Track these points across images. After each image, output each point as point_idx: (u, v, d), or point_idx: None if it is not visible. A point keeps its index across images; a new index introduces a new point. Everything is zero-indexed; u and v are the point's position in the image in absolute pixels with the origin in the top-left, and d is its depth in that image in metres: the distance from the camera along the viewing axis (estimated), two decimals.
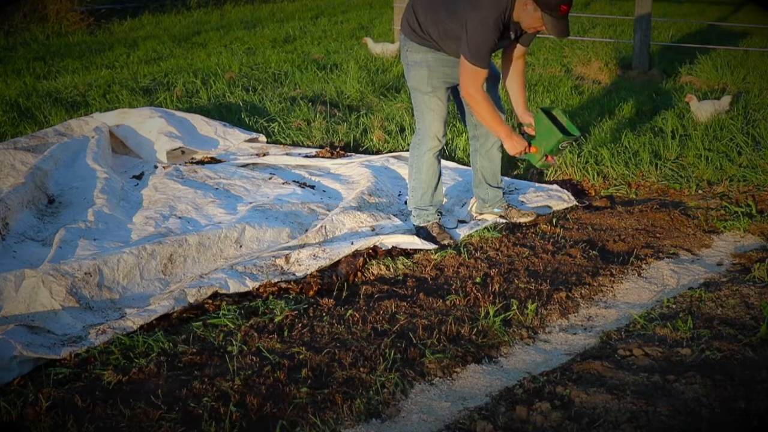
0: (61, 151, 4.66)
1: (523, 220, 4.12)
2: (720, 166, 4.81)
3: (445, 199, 4.26)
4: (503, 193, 4.20)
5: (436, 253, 3.73)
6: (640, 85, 6.99)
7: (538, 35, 3.80)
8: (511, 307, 3.15)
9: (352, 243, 3.73)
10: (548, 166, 3.90)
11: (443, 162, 4.98)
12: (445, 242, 3.85)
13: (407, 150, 5.29)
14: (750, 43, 8.72)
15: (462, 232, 4.01)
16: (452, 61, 3.69)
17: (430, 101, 3.81)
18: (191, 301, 3.24)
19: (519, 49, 3.77)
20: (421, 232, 3.93)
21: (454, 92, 3.93)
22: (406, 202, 4.50)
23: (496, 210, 4.14)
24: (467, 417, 2.42)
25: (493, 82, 3.90)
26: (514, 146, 3.75)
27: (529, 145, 3.78)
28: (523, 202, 4.41)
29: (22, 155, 4.58)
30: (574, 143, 3.85)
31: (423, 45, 3.73)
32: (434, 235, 3.90)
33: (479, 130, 4.00)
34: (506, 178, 4.83)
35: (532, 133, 3.81)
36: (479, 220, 4.18)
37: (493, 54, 3.66)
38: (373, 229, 3.97)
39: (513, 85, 3.87)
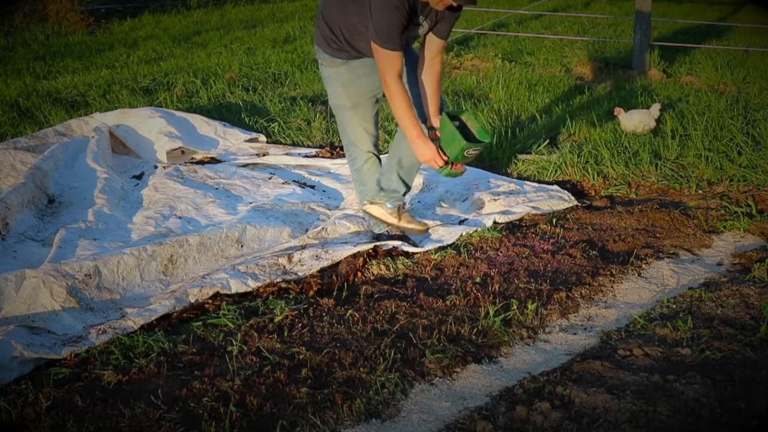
0: (61, 151, 4.66)
1: (410, 226, 3.82)
2: (720, 166, 4.82)
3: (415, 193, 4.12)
4: (405, 193, 3.86)
5: (436, 253, 3.73)
6: (640, 85, 6.99)
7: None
8: (511, 307, 3.16)
9: (355, 245, 3.73)
10: (456, 175, 3.60)
11: None
12: (412, 225, 3.79)
13: None
14: (750, 43, 8.73)
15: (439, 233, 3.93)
16: (369, 68, 3.51)
17: (352, 118, 3.66)
18: (192, 300, 3.24)
19: (436, 43, 3.51)
20: (382, 232, 3.87)
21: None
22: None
23: (388, 205, 3.82)
24: (467, 417, 2.42)
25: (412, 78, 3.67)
26: (424, 152, 3.48)
27: (441, 151, 3.50)
28: (522, 201, 4.41)
29: (22, 155, 4.58)
30: (484, 150, 3.54)
31: (336, 57, 3.56)
32: (398, 221, 3.82)
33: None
34: (506, 177, 4.84)
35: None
36: (366, 216, 3.96)
37: (415, 40, 3.50)
38: (375, 237, 3.97)
39: (427, 84, 3.59)
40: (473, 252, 3.75)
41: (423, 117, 3.62)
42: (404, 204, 3.90)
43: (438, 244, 3.85)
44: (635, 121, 5.44)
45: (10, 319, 2.99)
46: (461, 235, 3.93)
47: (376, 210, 3.86)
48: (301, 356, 2.78)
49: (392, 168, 3.78)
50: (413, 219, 3.87)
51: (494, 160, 5.20)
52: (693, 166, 4.89)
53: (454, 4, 3.25)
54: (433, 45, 3.52)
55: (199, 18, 11.79)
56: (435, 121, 3.58)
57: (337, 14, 3.48)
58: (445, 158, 3.50)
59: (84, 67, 8.03)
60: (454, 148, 3.45)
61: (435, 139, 3.52)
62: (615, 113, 5.60)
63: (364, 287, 3.39)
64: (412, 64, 3.63)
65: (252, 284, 3.38)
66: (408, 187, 3.87)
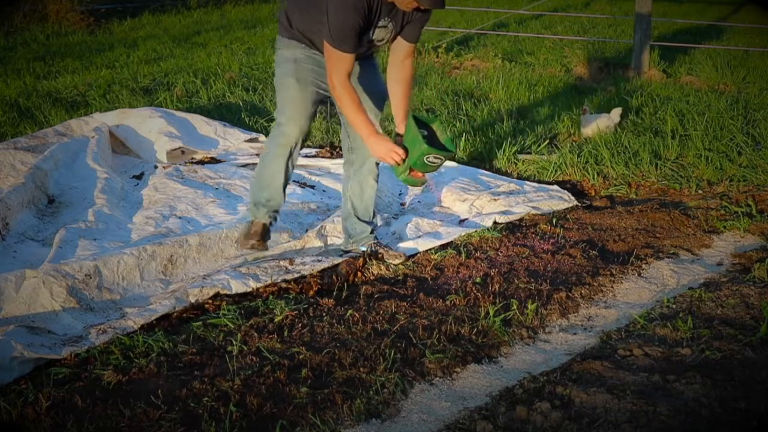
0: (61, 151, 4.66)
1: (391, 261, 3.66)
2: (720, 166, 4.82)
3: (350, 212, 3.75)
4: (373, 230, 3.77)
5: (436, 253, 3.73)
6: (640, 85, 6.99)
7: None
8: (511, 307, 3.16)
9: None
10: (415, 183, 3.37)
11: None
12: (252, 242, 3.58)
13: None
14: (750, 43, 8.72)
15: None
16: (324, 63, 3.31)
17: (294, 93, 3.40)
18: (192, 301, 3.24)
19: (405, 46, 3.34)
20: (243, 230, 3.67)
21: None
22: (402, 204, 4.51)
23: (361, 248, 3.70)
24: (467, 417, 2.42)
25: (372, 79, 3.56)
26: (378, 148, 3.27)
27: (406, 152, 3.28)
28: (522, 202, 4.41)
29: (22, 155, 4.58)
30: (443, 161, 3.30)
31: (294, 39, 3.41)
32: (250, 233, 3.61)
33: (355, 155, 3.62)
34: (506, 177, 4.84)
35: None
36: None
37: (381, 46, 3.37)
38: (375, 237, 3.97)
39: (395, 91, 3.41)
40: (473, 252, 3.75)
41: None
42: (376, 242, 3.74)
43: (438, 242, 3.86)
44: (592, 128, 5.47)
45: (10, 319, 2.99)
46: (461, 235, 3.94)
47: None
48: (301, 356, 2.78)
49: (348, 214, 3.72)
50: (390, 252, 3.70)
51: (494, 160, 5.20)
52: (693, 166, 4.89)
53: (422, 7, 3.09)
54: (401, 48, 3.36)
55: (199, 18, 11.79)
56: (402, 129, 3.39)
57: (298, 13, 3.37)
58: (403, 155, 3.26)
59: (84, 67, 8.03)
60: (414, 152, 3.23)
61: (400, 146, 3.31)
62: (581, 113, 5.61)
63: (364, 287, 3.39)
64: (372, 68, 3.53)
65: (253, 285, 3.38)
66: (373, 223, 3.76)
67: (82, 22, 10.51)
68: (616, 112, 5.62)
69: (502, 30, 10.31)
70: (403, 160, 3.27)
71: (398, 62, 3.37)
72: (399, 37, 3.33)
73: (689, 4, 12.62)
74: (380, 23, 3.21)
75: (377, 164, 3.62)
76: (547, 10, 11.64)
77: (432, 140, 3.30)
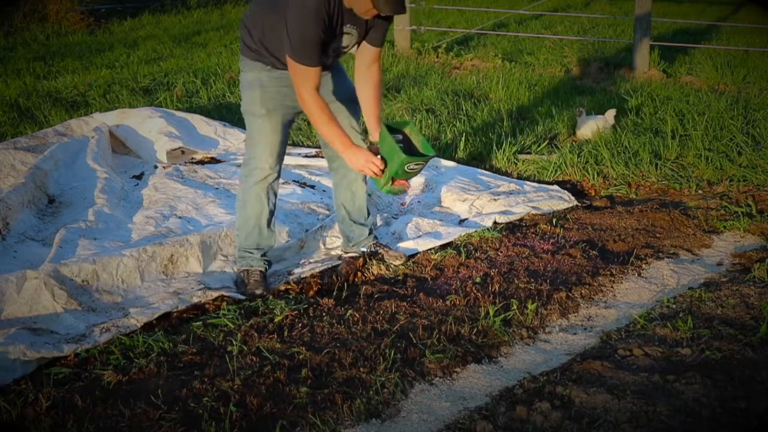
0: (61, 151, 4.66)
1: (392, 262, 3.65)
2: (720, 166, 4.82)
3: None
4: (371, 230, 3.72)
5: (436, 253, 3.73)
6: (640, 85, 7.00)
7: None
8: (511, 307, 3.16)
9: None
10: (397, 192, 3.33)
11: (442, 161, 5.02)
12: (258, 292, 3.36)
13: None
14: (750, 43, 8.73)
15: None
16: (291, 80, 3.19)
17: (263, 126, 3.31)
18: (195, 301, 3.24)
19: (370, 51, 3.27)
20: (238, 279, 3.48)
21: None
22: (402, 204, 4.51)
23: (362, 248, 3.69)
24: (467, 417, 2.42)
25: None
26: (356, 160, 3.22)
27: (384, 161, 3.22)
28: (522, 202, 4.41)
29: (22, 155, 4.58)
30: (425, 164, 3.27)
31: (257, 61, 3.28)
32: (249, 283, 3.41)
33: (338, 162, 3.51)
34: (506, 177, 4.84)
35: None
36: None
37: (347, 52, 3.30)
38: (375, 237, 3.97)
39: (366, 97, 3.32)
40: (473, 252, 3.75)
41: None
42: (376, 243, 3.72)
43: (438, 242, 3.86)
44: (589, 129, 5.45)
45: (12, 321, 2.99)
46: (461, 235, 3.94)
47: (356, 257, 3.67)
48: (301, 356, 2.78)
49: (344, 218, 3.69)
50: (390, 253, 3.69)
51: (494, 160, 5.20)
52: (693, 166, 4.89)
53: (382, 14, 3.02)
54: (367, 53, 3.27)
55: (199, 18, 11.79)
56: (376, 136, 3.31)
57: (259, 25, 3.23)
58: (381, 165, 3.21)
59: (84, 67, 8.02)
60: (393, 163, 3.17)
61: (376, 154, 3.26)
62: (577, 114, 5.60)
63: (364, 287, 3.39)
64: (340, 74, 3.45)
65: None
66: (369, 224, 3.71)
67: (82, 22, 10.50)
68: (611, 114, 5.63)
69: (502, 30, 10.31)
70: (383, 171, 3.22)
71: (365, 67, 3.29)
72: (364, 42, 3.25)
73: (689, 4, 12.62)
74: (344, 30, 3.14)
75: None
76: (547, 10, 11.64)
77: (408, 145, 3.25)
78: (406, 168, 3.17)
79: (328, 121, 3.16)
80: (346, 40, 3.20)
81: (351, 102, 3.43)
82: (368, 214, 3.72)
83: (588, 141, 5.39)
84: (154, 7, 12.18)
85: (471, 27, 10.23)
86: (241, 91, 3.41)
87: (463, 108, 6.26)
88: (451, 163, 5.01)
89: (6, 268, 3.38)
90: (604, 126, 5.52)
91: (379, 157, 3.23)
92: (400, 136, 3.28)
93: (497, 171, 5.05)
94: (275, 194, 3.47)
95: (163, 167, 4.79)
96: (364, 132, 3.48)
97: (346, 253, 3.73)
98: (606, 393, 2.44)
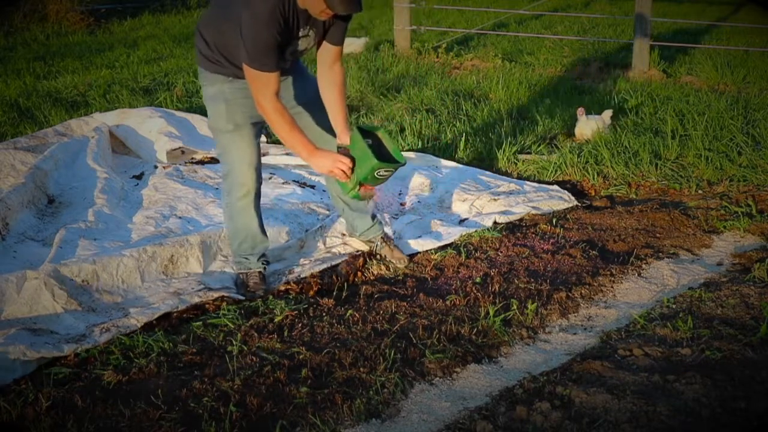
0: (61, 151, 4.66)
1: (395, 264, 3.59)
2: (720, 166, 4.82)
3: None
4: (375, 217, 3.67)
5: (436, 253, 3.73)
6: (640, 85, 7.00)
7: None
8: (511, 307, 3.16)
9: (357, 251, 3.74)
10: (365, 198, 3.25)
11: (442, 161, 5.02)
12: (259, 293, 3.34)
13: (407, 150, 5.30)
14: (750, 43, 8.73)
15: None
16: None
17: (233, 140, 3.22)
18: (195, 301, 3.24)
19: (331, 50, 3.17)
20: (238, 281, 3.46)
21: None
22: (402, 204, 4.51)
23: (376, 243, 3.65)
24: (467, 417, 2.42)
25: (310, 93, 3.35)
26: (322, 164, 3.12)
27: (353, 162, 3.14)
28: (522, 202, 4.41)
29: (22, 155, 4.58)
30: (393, 172, 3.20)
31: (218, 73, 3.17)
32: (250, 284, 3.40)
33: None
34: (506, 177, 4.84)
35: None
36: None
37: (306, 53, 3.21)
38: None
39: (330, 98, 3.22)
40: (473, 252, 3.75)
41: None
42: (383, 236, 3.68)
43: (438, 242, 3.86)
44: (589, 129, 5.44)
45: (12, 321, 2.99)
46: (461, 235, 3.94)
47: (357, 245, 3.71)
48: (301, 356, 2.78)
49: (344, 209, 3.66)
50: (394, 252, 3.64)
51: (494, 160, 5.20)
52: (693, 166, 4.89)
53: (339, 13, 2.92)
54: (328, 53, 3.17)
55: (199, 18, 11.78)
56: (344, 138, 3.21)
57: (214, 30, 3.13)
58: (350, 164, 3.12)
59: (84, 67, 8.02)
60: (364, 167, 3.08)
61: (346, 156, 3.16)
62: (578, 113, 5.58)
63: (364, 287, 3.39)
64: (304, 81, 3.35)
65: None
66: (374, 219, 3.66)
67: (82, 22, 10.50)
68: (607, 114, 5.63)
69: (502, 30, 10.31)
70: (351, 172, 3.13)
71: (327, 68, 3.19)
72: (324, 42, 3.16)
73: (689, 4, 12.62)
74: (301, 33, 3.04)
75: None
76: (547, 10, 11.64)
77: (380, 150, 3.18)
78: (376, 174, 3.08)
79: (290, 129, 3.04)
80: (303, 43, 3.10)
81: (318, 104, 3.30)
82: (368, 206, 3.66)
83: (588, 141, 5.39)
84: (154, 7, 12.18)
85: (471, 27, 10.23)
86: (206, 104, 3.30)
87: (463, 108, 6.26)
88: (451, 163, 5.01)
89: (6, 268, 3.38)
90: (603, 126, 5.52)
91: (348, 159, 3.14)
92: (371, 141, 3.18)
93: (497, 171, 5.05)
94: (259, 200, 3.40)
95: (163, 167, 4.79)
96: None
97: (350, 235, 3.68)
98: (606, 393, 2.44)
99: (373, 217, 3.72)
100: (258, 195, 3.37)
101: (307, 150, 3.10)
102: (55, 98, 6.49)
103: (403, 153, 3.40)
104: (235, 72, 3.13)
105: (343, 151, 3.19)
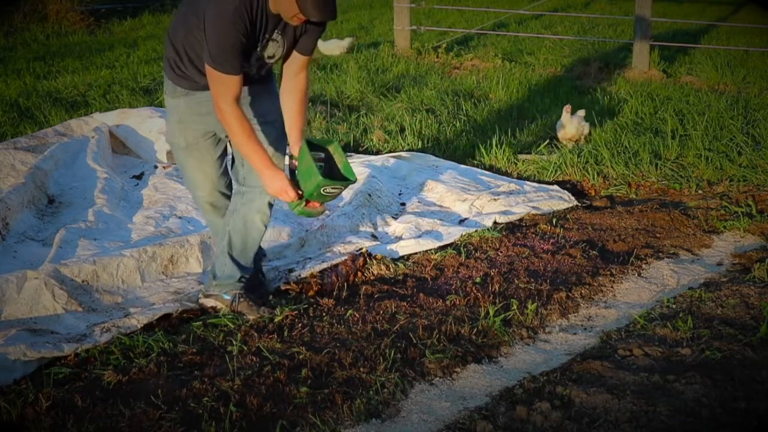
0: (61, 151, 4.66)
1: (250, 316, 3.13)
2: (720, 166, 4.82)
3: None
4: (242, 278, 3.22)
5: (436, 253, 3.73)
6: (640, 85, 7.00)
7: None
8: (511, 307, 3.16)
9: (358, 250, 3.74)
10: (311, 215, 3.07)
11: (442, 161, 5.01)
12: (262, 312, 3.14)
13: (407, 150, 5.30)
14: (750, 43, 8.73)
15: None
16: (212, 104, 2.92)
17: (187, 159, 3.13)
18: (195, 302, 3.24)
19: (299, 59, 3.04)
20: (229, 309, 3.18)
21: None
22: (402, 204, 4.51)
23: (224, 296, 3.18)
24: (467, 417, 2.42)
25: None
26: (272, 183, 2.95)
27: (297, 185, 2.99)
28: (522, 201, 4.41)
29: (22, 155, 4.58)
30: (342, 190, 3.05)
31: (177, 85, 3.04)
32: (240, 311, 3.16)
33: (246, 187, 3.15)
34: (506, 177, 4.84)
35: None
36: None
37: (274, 62, 3.07)
38: (375, 237, 3.97)
39: (289, 105, 3.07)
40: (473, 252, 3.75)
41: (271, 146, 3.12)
42: (241, 293, 3.20)
43: (438, 242, 3.86)
44: (575, 129, 5.32)
45: (12, 321, 2.99)
46: (461, 235, 3.94)
47: (211, 303, 3.22)
48: (301, 356, 2.78)
49: (223, 250, 3.21)
50: (252, 306, 3.17)
51: (494, 160, 5.20)
52: (693, 166, 4.89)
53: (313, 19, 2.80)
54: (295, 61, 3.05)
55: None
56: (295, 148, 3.07)
57: (183, 33, 2.99)
58: (299, 192, 2.99)
59: (84, 67, 8.02)
60: (309, 184, 2.94)
61: (295, 170, 3.05)
62: (565, 110, 5.37)
63: (364, 287, 3.39)
64: (274, 102, 3.17)
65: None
66: (246, 270, 3.24)
67: (82, 22, 10.49)
68: (581, 114, 5.46)
69: (502, 30, 10.31)
70: (299, 197, 2.99)
71: (293, 75, 3.07)
72: (294, 51, 3.04)
73: (689, 4, 12.62)
74: (269, 38, 2.91)
75: (270, 206, 3.17)
76: (547, 10, 11.64)
77: (330, 166, 3.06)
78: (321, 191, 2.93)
79: (247, 136, 2.89)
80: (272, 49, 2.96)
81: (279, 126, 3.14)
82: (250, 260, 3.25)
83: (576, 142, 5.33)
84: (154, 7, 12.18)
85: (471, 27, 10.23)
86: (166, 115, 3.18)
87: (463, 108, 6.26)
88: (451, 163, 5.01)
89: (6, 268, 3.38)
90: (581, 125, 5.39)
91: (295, 186, 2.99)
92: (323, 155, 3.07)
93: (497, 171, 5.05)
94: (223, 214, 3.24)
95: (163, 167, 4.79)
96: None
97: (207, 295, 3.24)
98: (606, 393, 2.44)
99: (240, 278, 3.24)
100: (227, 207, 3.23)
101: (263, 162, 2.94)
102: (55, 98, 6.48)
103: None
104: (194, 77, 3.00)
105: (293, 163, 3.07)
